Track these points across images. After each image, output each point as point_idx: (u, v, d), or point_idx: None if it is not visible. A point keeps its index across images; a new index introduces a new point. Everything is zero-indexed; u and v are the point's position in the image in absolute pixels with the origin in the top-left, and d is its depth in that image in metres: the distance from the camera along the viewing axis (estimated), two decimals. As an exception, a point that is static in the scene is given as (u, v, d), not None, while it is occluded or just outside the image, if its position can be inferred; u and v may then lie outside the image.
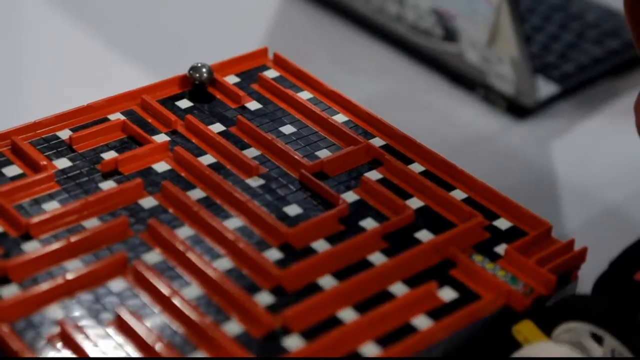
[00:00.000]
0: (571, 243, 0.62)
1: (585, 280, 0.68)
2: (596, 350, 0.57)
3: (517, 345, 0.57)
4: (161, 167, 0.68)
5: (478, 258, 0.62)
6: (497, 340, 0.58)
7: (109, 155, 0.69)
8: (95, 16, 1.03)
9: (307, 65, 0.79)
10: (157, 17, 1.03)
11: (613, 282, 0.67)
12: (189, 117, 0.72)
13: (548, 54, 0.97)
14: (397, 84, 0.94)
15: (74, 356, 0.55)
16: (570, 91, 0.94)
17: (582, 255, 0.62)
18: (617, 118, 0.91)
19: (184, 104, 0.74)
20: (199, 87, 0.74)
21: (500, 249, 0.63)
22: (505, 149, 0.87)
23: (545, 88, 0.93)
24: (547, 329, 0.58)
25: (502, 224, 0.65)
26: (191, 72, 0.74)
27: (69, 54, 0.97)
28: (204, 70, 0.74)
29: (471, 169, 0.68)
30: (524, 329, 0.58)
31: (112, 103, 0.73)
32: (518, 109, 0.91)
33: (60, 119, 0.72)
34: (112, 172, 0.67)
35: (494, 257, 0.62)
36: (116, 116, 0.72)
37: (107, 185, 0.66)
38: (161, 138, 0.71)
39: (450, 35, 0.93)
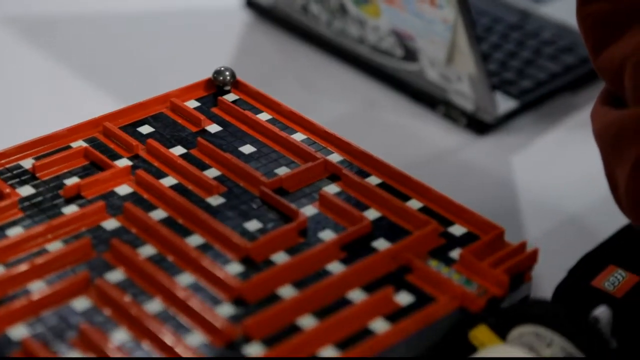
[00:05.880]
0: (523, 245, 0.64)
1: (545, 287, 0.70)
2: (546, 352, 0.58)
3: (473, 349, 0.59)
4: (123, 190, 0.70)
5: (434, 263, 0.63)
6: (453, 344, 0.59)
7: (72, 181, 0.70)
8: (57, 43, 1.04)
9: (272, 87, 0.80)
10: (121, 43, 1.05)
11: (572, 288, 0.69)
12: (150, 141, 0.73)
13: (506, 71, 0.99)
14: (361, 103, 0.96)
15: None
16: (529, 106, 0.96)
17: (533, 256, 0.64)
18: (574, 131, 0.93)
19: (146, 129, 0.76)
20: (222, 90, 0.79)
21: (455, 253, 0.64)
22: (467, 164, 0.89)
23: (505, 104, 0.95)
24: (502, 333, 0.59)
25: (457, 230, 0.66)
26: (215, 75, 0.78)
27: (31, 81, 0.98)
28: (227, 73, 0.78)
29: (434, 184, 0.70)
30: (480, 333, 0.59)
31: (74, 132, 0.75)
32: (478, 125, 0.93)
33: (23, 149, 0.73)
34: (75, 197, 0.69)
35: (449, 262, 0.63)
36: (79, 144, 0.74)
37: (70, 209, 0.68)
38: (123, 163, 0.72)
39: (410, 55, 0.95)
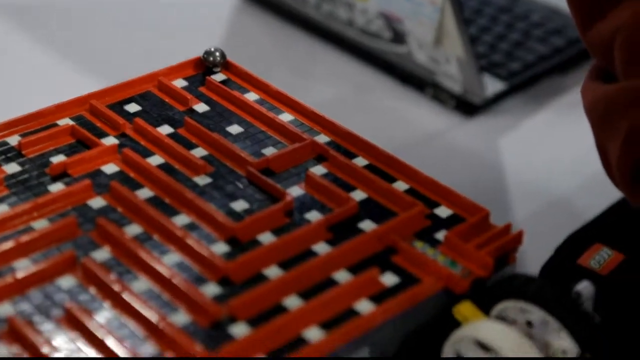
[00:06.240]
0: (508, 227, 0.64)
1: (533, 267, 0.70)
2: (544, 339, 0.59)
3: (458, 324, 0.59)
4: (110, 168, 0.70)
5: (419, 244, 0.63)
6: (438, 320, 0.60)
7: (58, 159, 0.70)
8: (45, 23, 1.04)
9: (261, 70, 0.80)
10: (111, 24, 1.05)
11: (558, 266, 0.69)
12: (137, 119, 0.73)
13: (495, 53, 0.99)
14: (350, 86, 0.96)
15: (25, 355, 0.56)
16: (517, 88, 0.96)
17: (518, 238, 0.64)
18: (562, 113, 0.93)
19: (133, 107, 0.75)
20: (212, 71, 0.79)
21: (441, 235, 0.64)
22: (455, 146, 0.89)
23: (493, 86, 0.95)
24: (486, 308, 0.60)
25: (443, 212, 0.66)
26: (205, 56, 0.78)
27: (18, 59, 0.98)
28: (217, 54, 0.78)
29: (422, 166, 0.70)
30: (464, 309, 0.59)
31: (61, 109, 0.75)
32: (467, 107, 0.93)
33: (9, 126, 0.73)
34: (61, 175, 0.68)
35: (435, 243, 0.64)
36: (65, 122, 0.74)
37: (57, 187, 0.67)
38: (110, 141, 0.72)
39: (398, 37, 0.95)
